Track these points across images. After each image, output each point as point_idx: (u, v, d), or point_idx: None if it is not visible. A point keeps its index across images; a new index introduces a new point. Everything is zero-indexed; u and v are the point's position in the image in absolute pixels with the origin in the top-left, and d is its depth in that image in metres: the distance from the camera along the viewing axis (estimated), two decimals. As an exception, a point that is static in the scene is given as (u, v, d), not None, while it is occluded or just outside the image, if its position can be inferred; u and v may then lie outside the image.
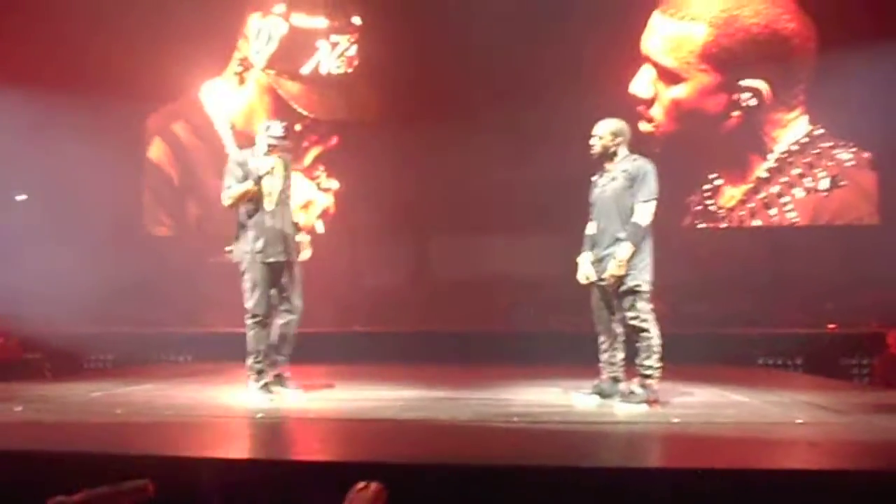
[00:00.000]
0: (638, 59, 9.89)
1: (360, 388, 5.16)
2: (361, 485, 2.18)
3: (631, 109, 9.32)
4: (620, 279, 4.25)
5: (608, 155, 4.47)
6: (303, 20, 10.55)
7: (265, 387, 4.62)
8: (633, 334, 4.32)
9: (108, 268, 8.67)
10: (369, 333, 8.55)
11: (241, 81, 10.60)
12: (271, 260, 4.67)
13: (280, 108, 10.33)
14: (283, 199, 4.79)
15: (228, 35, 10.51)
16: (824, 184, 9.68)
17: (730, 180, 9.97)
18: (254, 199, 4.66)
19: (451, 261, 9.78)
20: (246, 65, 10.57)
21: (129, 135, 10.26)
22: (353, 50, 10.43)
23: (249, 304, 4.65)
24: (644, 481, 2.75)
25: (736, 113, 9.75)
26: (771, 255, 9.61)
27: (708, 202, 10.00)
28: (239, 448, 3.49)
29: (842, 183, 9.63)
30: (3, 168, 9.03)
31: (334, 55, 10.55)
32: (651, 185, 4.32)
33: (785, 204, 9.84)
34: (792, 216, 9.77)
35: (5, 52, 9.08)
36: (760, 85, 9.66)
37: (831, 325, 8.59)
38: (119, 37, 9.47)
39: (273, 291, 4.73)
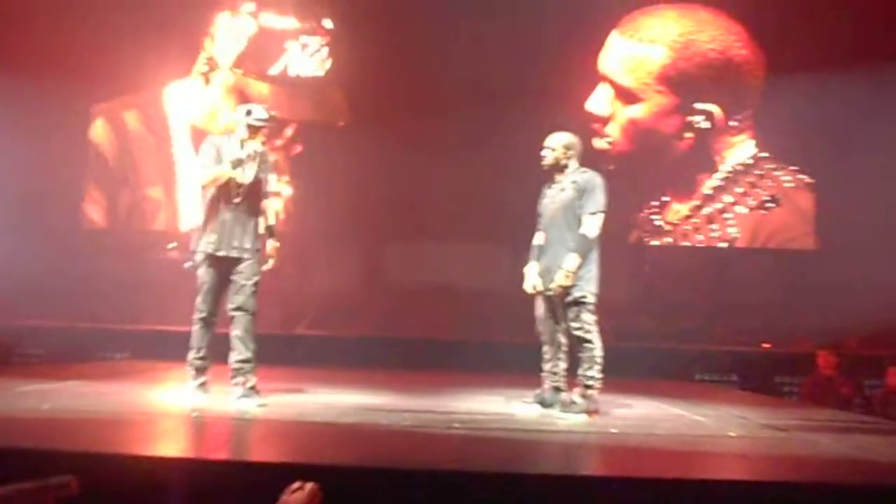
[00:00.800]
0: (594, 77, 10.06)
1: (302, 391, 5.09)
2: (296, 485, 2.14)
3: (585, 125, 9.47)
4: (567, 290, 4.30)
5: (559, 167, 4.53)
6: (272, 20, 10.42)
7: (202, 385, 4.40)
8: (577, 345, 4.36)
9: (44, 259, 8.41)
10: (317, 337, 8.47)
11: (207, 81, 10.38)
12: (222, 254, 4.35)
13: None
14: (253, 193, 4.44)
15: (194, 34, 10.28)
16: (762, 202, 10.03)
17: (677, 197, 10.22)
18: (222, 188, 4.36)
19: (402, 268, 9.77)
20: (212, 64, 10.36)
21: (76, 123, 9.97)
22: (325, 52, 10.37)
23: (197, 299, 4.42)
24: (580, 489, 2.76)
25: (689, 134, 9.99)
26: (712, 273, 9.88)
27: (654, 217, 10.22)
28: (168, 446, 3.39)
29: (779, 201, 9.98)
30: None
31: (304, 56, 10.50)
32: (599, 198, 4.39)
33: (727, 220, 10.14)
34: (733, 232, 10.07)
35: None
36: (713, 108, 9.93)
37: (766, 344, 8.84)
38: (83, 26, 9.24)
39: (226, 291, 4.42)
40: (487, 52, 9.30)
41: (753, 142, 10.10)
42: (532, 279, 4.55)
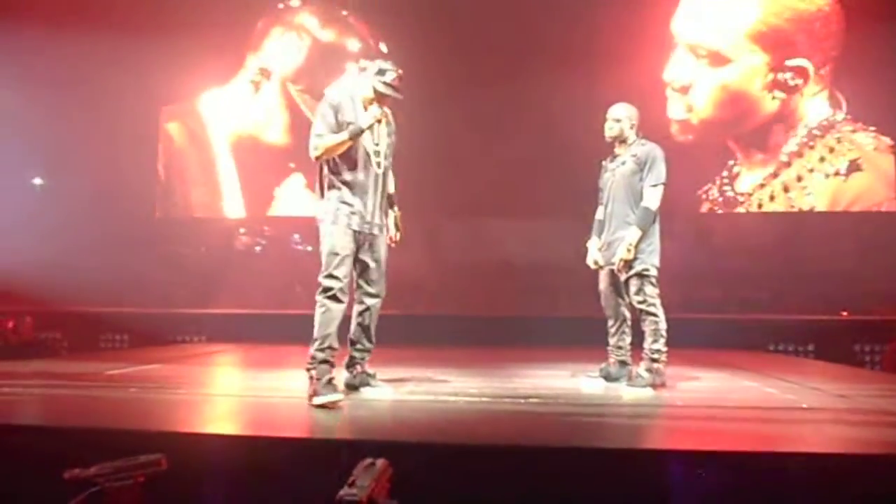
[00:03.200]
0: (662, 42, 9.73)
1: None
2: (368, 461, 2.22)
3: (655, 95, 9.29)
4: (628, 263, 4.29)
5: (621, 139, 4.49)
6: (329, 36, 10.49)
7: (329, 383, 3.67)
8: (641, 318, 4.35)
9: (122, 250, 8.81)
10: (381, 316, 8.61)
11: (256, 90, 10.56)
12: (358, 228, 3.89)
13: (296, 122, 10.26)
14: (389, 168, 4.05)
15: (238, 44, 10.42)
16: (843, 167, 9.63)
17: (752, 164, 9.93)
18: (349, 156, 3.87)
19: (463, 244, 9.81)
20: (265, 74, 10.54)
21: (143, 123, 10.32)
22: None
23: (323, 275, 3.81)
24: (646, 463, 2.78)
25: (779, 94, 9.57)
26: (786, 240, 9.58)
27: (725, 188, 9.96)
28: (246, 425, 3.54)
29: (861, 166, 9.57)
30: (22, 149, 9.17)
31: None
32: (660, 170, 4.35)
33: (804, 188, 9.80)
34: (810, 200, 9.72)
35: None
36: (806, 63, 9.47)
37: (844, 312, 8.55)
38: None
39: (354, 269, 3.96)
40: (547, 20, 9.17)
41: (828, 100, 9.72)
42: (594, 254, 4.55)
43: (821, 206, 9.68)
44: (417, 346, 6.51)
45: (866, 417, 3.59)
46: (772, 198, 9.82)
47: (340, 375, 3.88)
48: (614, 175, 4.49)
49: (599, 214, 4.61)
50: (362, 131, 3.80)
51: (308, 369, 3.70)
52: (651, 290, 4.30)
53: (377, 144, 3.93)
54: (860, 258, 9.05)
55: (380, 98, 3.94)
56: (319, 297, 3.78)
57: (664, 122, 9.67)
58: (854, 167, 9.59)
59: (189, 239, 10.33)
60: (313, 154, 3.86)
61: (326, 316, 3.74)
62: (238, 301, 9.45)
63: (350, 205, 3.86)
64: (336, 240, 3.82)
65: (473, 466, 2.76)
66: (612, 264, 4.38)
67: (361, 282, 3.98)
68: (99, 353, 7.24)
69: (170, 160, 10.67)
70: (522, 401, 3.89)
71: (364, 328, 4.03)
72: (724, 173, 9.89)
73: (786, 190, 9.81)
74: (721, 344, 7.00)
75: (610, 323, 4.57)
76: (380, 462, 2.21)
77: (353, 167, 3.87)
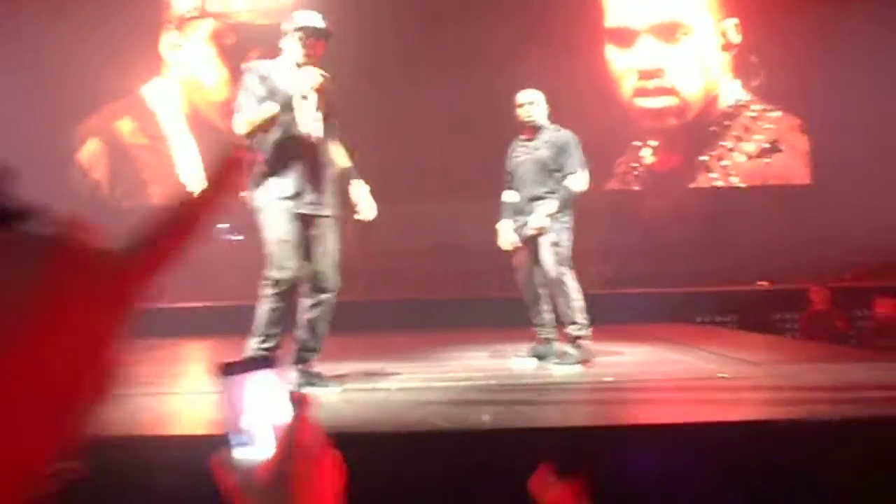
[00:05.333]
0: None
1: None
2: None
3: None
4: (542, 231, 4.35)
5: (535, 124, 4.52)
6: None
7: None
8: (555, 293, 4.41)
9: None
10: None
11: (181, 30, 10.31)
12: (304, 211, 3.53)
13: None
14: (328, 131, 3.62)
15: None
16: (759, 148, 10.04)
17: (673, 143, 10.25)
18: (282, 127, 3.50)
19: (391, 229, 9.75)
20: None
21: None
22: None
23: (271, 268, 3.48)
24: (573, 441, 2.83)
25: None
26: (707, 214, 9.90)
27: (634, 165, 10.27)
28: (156, 424, 3.44)
29: (780, 147, 9.98)
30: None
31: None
32: (579, 156, 4.43)
33: (726, 168, 10.15)
34: (734, 180, 10.10)
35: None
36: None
37: (762, 283, 8.90)
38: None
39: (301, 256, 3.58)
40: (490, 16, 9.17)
41: (739, 81, 10.06)
42: (508, 235, 4.58)
43: (740, 183, 10.11)
44: (352, 333, 6.38)
45: (777, 382, 3.75)
46: (696, 178, 10.20)
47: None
48: (526, 160, 4.53)
49: (508, 197, 4.64)
50: (299, 98, 3.45)
51: None
52: (564, 265, 4.37)
53: (311, 111, 3.53)
54: (778, 231, 9.43)
55: (312, 49, 3.56)
56: (266, 292, 3.46)
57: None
58: (773, 149, 9.99)
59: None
60: (239, 132, 3.50)
61: (273, 314, 3.45)
62: (167, 294, 9.18)
63: (289, 186, 3.48)
64: (280, 227, 3.47)
65: (406, 453, 2.76)
66: (528, 233, 4.44)
67: (308, 272, 3.58)
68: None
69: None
70: (453, 384, 3.91)
71: (312, 326, 3.60)
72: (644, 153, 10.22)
73: (708, 170, 10.16)
74: (647, 318, 7.17)
75: (530, 302, 4.62)
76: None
77: (287, 143, 3.47)
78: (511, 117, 4.68)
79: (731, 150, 10.18)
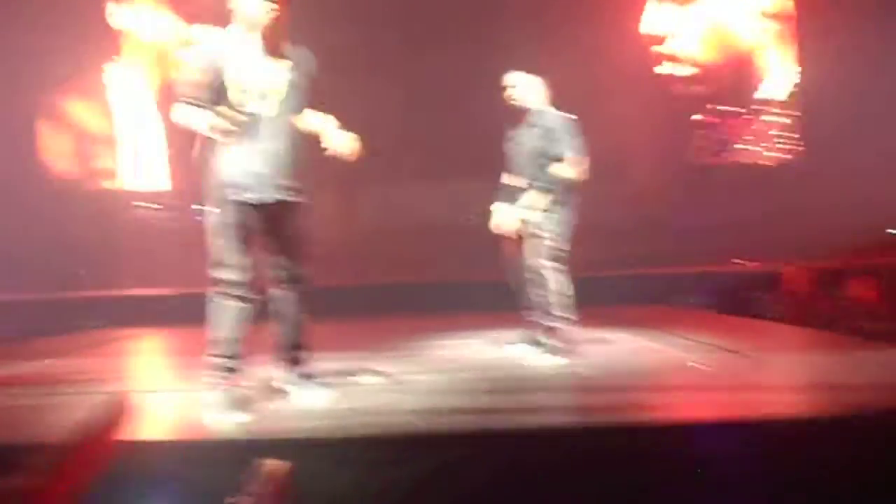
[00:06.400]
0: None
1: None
2: (261, 463, 2.15)
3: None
4: (527, 224, 4.33)
5: (523, 106, 4.46)
6: None
7: (226, 395, 3.15)
8: (537, 283, 4.38)
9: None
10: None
11: None
12: (248, 197, 3.15)
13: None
14: (285, 109, 3.20)
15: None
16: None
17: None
18: (227, 106, 3.08)
19: (376, 209, 9.69)
20: None
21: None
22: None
23: (212, 265, 3.17)
24: (534, 441, 2.83)
25: None
26: (692, 191, 9.92)
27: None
28: (135, 426, 3.37)
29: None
30: None
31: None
32: (571, 140, 4.34)
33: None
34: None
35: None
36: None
37: (738, 261, 8.93)
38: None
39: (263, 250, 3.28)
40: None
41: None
42: (499, 218, 4.54)
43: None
44: (334, 320, 6.29)
45: (752, 373, 3.76)
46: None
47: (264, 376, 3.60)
48: (522, 144, 4.49)
49: (507, 180, 4.61)
50: (221, 130, 2.97)
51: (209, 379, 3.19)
52: (547, 256, 4.32)
53: (264, 85, 3.13)
54: (755, 208, 9.45)
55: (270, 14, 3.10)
56: (212, 294, 3.16)
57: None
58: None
59: (82, 215, 9.86)
60: (175, 119, 3.13)
61: (220, 316, 3.14)
62: (141, 281, 9.12)
63: (241, 169, 3.11)
64: (220, 217, 3.12)
65: (377, 458, 2.74)
66: (517, 225, 4.41)
67: (272, 262, 3.29)
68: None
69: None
70: (432, 378, 3.89)
71: (282, 321, 3.35)
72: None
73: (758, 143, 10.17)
74: (623, 300, 7.18)
75: (518, 289, 4.60)
76: (275, 465, 2.15)
77: (234, 121, 3.00)
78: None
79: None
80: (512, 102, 4.48)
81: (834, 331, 5.74)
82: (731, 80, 10.33)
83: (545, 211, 4.32)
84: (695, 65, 10.34)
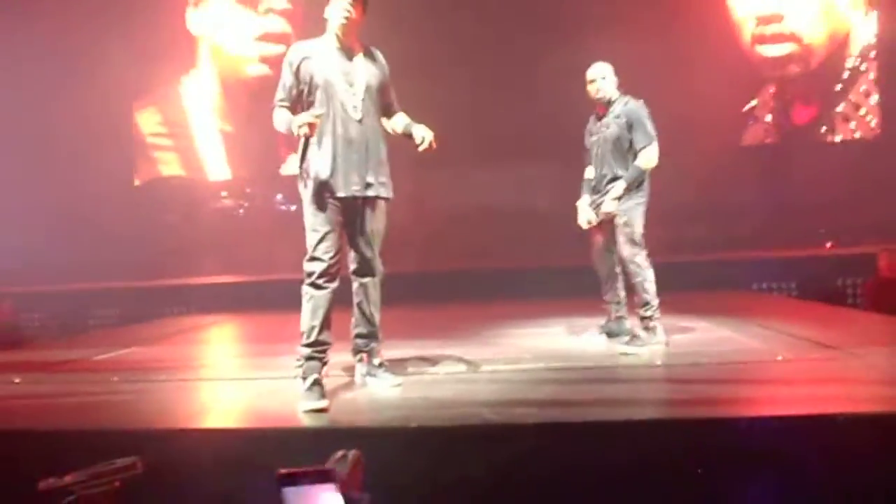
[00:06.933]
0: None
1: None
2: (339, 454, 2.20)
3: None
4: (613, 216, 4.30)
5: (605, 98, 4.42)
6: None
7: (315, 385, 3.23)
8: (627, 274, 4.37)
9: (98, 220, 8.73)
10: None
11: None
12: (343, 194, 3.32)
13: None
14: (369, 107, 3.39)
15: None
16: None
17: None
18: (319, 107, 3.29)
19: (446, 193, 9.71)
20: None
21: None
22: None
23: (306, 257, 3.33)
24: (610, 434, 2.80)
25: None
26: (769, 173, 9.56)
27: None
28: (224, 416, 3.50)
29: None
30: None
31: None
32: (648, 129, 4.31)
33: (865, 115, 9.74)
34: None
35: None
36: None
37: (829, 245, 8.57)
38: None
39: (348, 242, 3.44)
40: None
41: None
42: (586, 213, 4.53)
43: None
44: (408, 307, 6.18)
45: (839, 368, 3.62)
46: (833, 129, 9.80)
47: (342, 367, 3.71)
48: (601, 137, 4.45)
49: (588, 174, 4.60)
50: (301, 126, 3.15)
51: (297, 367, 3.33)
52: (637, 247, 4.29)
53: (352, 88, 3.34)
54: (845, 189, 9.03)
55: (349, 19, 3.30)
56: (304, 285, 3.32)
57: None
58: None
59: (170, 204, 10.29)
60: (276, 127, 3.40)
61: (310, 305, 3.29)
62: (226, 268, 9.45)
63: (326, 166, 3.29)
64: (313, 212, 3.31)
65: (449, 449, 2.78)
66: (602, 217, 4.40)
67: (352, 258, 3.47)
68: (86, 334, 7.19)
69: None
70: (508, 367, 3.89)
71: (361, 311, 3.51)
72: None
73: (846, 120, 9.78)
74: (705, 286, 7.00)
75: (603, 280, 4.60)
76: (351, 454, 2.21)
77: (325, 120, 3.26)
78: (572, 86, 4.58)
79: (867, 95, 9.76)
80: (595, 96, 4.42)
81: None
82: (824, 58, 9.87)
83: (631, 201, 4.29)
84: (788, 41, 9.91)
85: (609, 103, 4.41)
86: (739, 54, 9.98)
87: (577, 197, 4.61)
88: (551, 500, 2.65)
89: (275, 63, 9.85)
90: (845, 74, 9.81)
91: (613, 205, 4.30)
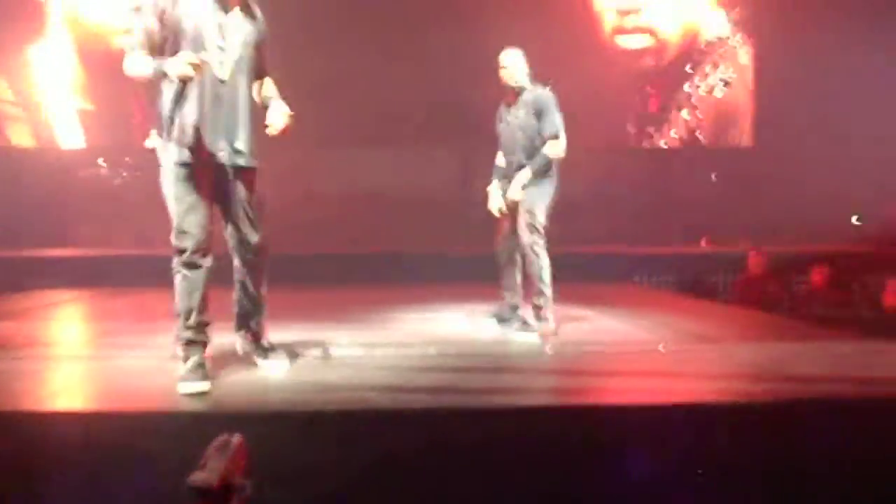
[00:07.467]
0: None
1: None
2: (221, 439, 2.09)
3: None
4: (517, 203, 4.32)
5: (515, 86, 4.41)
6: None
7: (197, 367, 3.03)
8: (526, 261, 4.40)
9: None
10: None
11: None
12: (202, 161, 3.03)
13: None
14: (246, 73, 3.12)
15: None
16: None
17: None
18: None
19: (335, 176, 9.53)
20: None
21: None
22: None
23: (173, 233, 3.06)
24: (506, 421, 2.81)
25: None
26: (650, 173, 9.98)
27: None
28: (90, 397, 3.29)
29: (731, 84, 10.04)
30: None
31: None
32: (555, 118, 4.33)
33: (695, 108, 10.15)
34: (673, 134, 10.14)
35: None
36: None
37: (704, 242, 9.04)
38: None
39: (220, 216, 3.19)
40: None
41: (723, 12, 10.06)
42: (497, 199, 4.53)
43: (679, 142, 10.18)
44: (297, 289, 6.02)
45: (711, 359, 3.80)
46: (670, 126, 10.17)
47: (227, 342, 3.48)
48: (510, 125, 4.46)
49: (499, 160, 4.60)
50: (184, 66, 2.79)
51: (176, 348, 3.14)
52: (537, 235, 4.32)
53: (224, 43, 3.02)
54: (719, 192, 9.57)
55: None
56: (174, 263, 3.05)
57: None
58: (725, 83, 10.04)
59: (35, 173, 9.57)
60: (128, 73, 2.99)
61: (185, 285, 3.04)
62: (97, 241, 8.92)
63: (193, 132, 2.98)
64: (178, 182, 2.99)
65: (337, 434, 2.69)
66: (510, 206, 4.41)
67: (229, 233, 3.21)
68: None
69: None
70: (398, 352, 3.85)
71: (244, 289, 3.29)
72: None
73: (679, 108, 10.16)
74: (587, 277, 7.19)
75: (500, 265, 4.61)
76: (234, 439, 2.10)
77: (188, 80, 2.89)
78: (472, 71, 4.55)
79: (698, 86, 10.21)
80: (507, 82, 4.41)
81: (791, 316, 5.86)
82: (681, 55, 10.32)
83: (536, 189, 4.32)
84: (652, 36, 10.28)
85: (519, 91, 4.41)
86: (600, 45, 10.28)
87: (473, 182, 4.62)
88: (439, 486, 2.63)
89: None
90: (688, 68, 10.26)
91: (519, 192, 4.32)
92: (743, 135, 10.29)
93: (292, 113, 3.16)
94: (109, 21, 9.77)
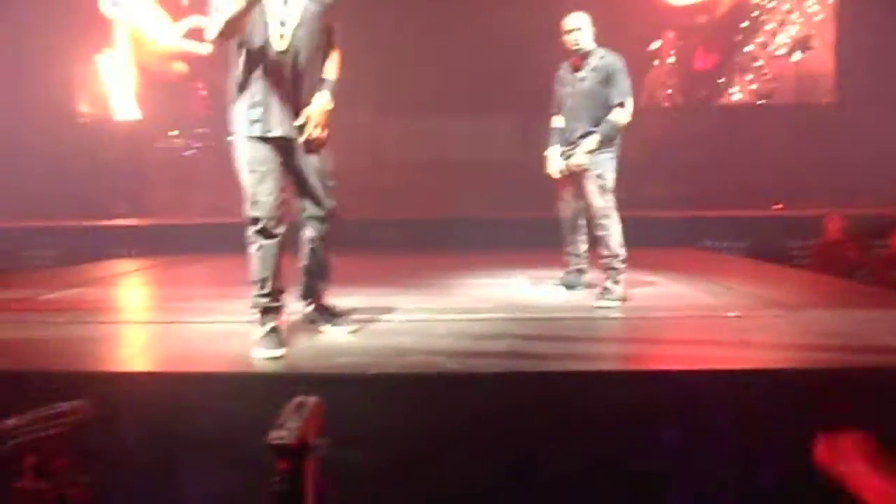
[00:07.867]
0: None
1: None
2: (298, 400, 2.16)
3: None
4: (585, 169, 4.25)
5: (582, 50, 4.33)
6: None
7: (272, 333, 3.13)
8: (596, 227, 4.34)
9: (43, 156, 8.37)
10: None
11: None
12: (277, 134, 3.12)
13: None
14: (307, 45, 3.14)
15: None
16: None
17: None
18: (250, 41, 3.05)
19: (404, 143, 9.59)
20: None
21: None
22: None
23: (247, 204, 3.14)
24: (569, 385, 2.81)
25: None
26: (722, 134, 9.66)
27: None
28: (170, 360, 3.36)
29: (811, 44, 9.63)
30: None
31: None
32: (624, 85, 4.24)
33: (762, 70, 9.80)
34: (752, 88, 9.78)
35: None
36: None
37: (777, 206, 8.75)
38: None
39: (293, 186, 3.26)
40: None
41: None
42: (556, 162, 4.47)
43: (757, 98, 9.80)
44: (365, 254, 6.11)
45: (787, 325, 3.71)
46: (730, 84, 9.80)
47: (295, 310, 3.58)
48: (575, 88, 4.37)
49: (557, 122, 4.51)
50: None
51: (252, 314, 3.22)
52: (606, 200, 4.27)
53: (283, 23, 3.07)
54: (794, 151, 9.20)
55: None
56: (249, 233, 3.13)
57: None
58: (803, 45, 9.63)
59: (115, 144, 9.92)
60: (209, 37, 3.01)
61: (259, 255, 3.12)
62: (174, 210, 9.21)
63: (260, 105, 3.06)
64: (249, 154, 3.08)
65: (407, 396, 2.76)
66: (571, 168, 4.36)
67: (301, 199, 3.29)
68: (26, 274, 6.89)
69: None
70: (466, 317, 3.87)
71: (313, 254, 3.37)
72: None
73: (742, 72, 9.83)
74: (658, 242, 7.07)
75: (566, 232, 4.58)
76: (310, 400, 2.17)
77: (258, 55, 3.03)
78: (532, 38, 4.48)
79: (764, 46, 9.83)
80: (573, 46, 4.33)
81: (870, 282, 5.64)
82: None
83: (603, 154, 4.26)
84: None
85: (586, 55, 4.32)
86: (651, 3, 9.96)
87: (535, 149, 4.57)
88: (508, 450, 2.67)
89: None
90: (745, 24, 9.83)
91: (585, 158, 4.26)
92: (821, 91, 9.83)
93: (331, 107, 3.18)
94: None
